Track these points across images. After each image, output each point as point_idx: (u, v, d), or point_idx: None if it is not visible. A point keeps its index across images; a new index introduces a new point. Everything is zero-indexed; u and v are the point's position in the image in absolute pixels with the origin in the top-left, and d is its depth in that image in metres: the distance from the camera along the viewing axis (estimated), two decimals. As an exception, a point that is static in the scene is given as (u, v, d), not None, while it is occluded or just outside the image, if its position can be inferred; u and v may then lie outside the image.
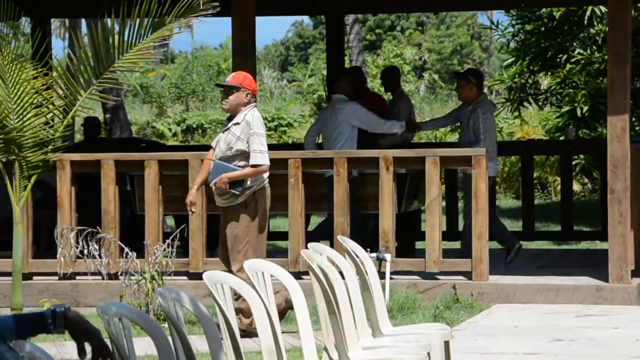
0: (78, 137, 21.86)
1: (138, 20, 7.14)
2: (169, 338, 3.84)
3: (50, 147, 7.18)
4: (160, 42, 7.41)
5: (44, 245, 11.05)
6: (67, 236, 9.45)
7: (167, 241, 9.04)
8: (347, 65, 15.35)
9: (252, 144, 7.96)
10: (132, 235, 10.06)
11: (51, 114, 7.21)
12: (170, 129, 27.97)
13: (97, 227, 9.38)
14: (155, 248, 9.11)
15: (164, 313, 7.93)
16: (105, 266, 9.39)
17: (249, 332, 7.68)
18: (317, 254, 5.37)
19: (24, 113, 7.02)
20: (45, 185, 10.60)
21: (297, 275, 8.29)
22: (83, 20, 21.09)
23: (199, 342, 6.28)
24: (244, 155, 8.00)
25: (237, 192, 7.98)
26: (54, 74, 7.60)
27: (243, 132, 7.98)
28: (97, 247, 9.29)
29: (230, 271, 7.94)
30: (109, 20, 7.47)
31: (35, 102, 7.07)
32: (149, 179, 9.64)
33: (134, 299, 8.70)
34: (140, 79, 32.71)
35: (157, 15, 7.05)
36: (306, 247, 5.48)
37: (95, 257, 9.31)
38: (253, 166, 7.96)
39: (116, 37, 7.27)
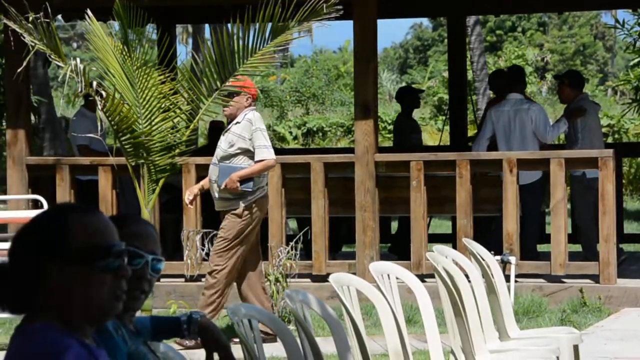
0: (200, 141, 22.19)
1: (259, 24, 7.21)
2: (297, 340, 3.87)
3: (177, 150, 7.30)
4: (282, 46, 7.47)
5: (170, 248, 11.24)
6: (193, 239, 9.59)
7: (291, 244, 9.11)
8: (468, 68, 15.22)
9: (256, 140, 7.96)
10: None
11: (178, 119, 7.33)
12: (291, 132, 28.19)
13: (222, 230, 9.48)
14: (279, 250, 9.18)
15: (292, 315, 8.01)
16: (230, 268, 9.48)
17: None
18: (442, 256, 5.34)
19: (152, 117, 7.15)
20: (172, 188, 10.79)
21: (420, 279, 8.25)
22: (206, 26, 21.41)
23: (323, 344, 6.30)
24: (246, 153, 7.99)
25: (249, 190, 7.97)
26: (180, 78, 7.73)
27: (245, 130, 7.99)
28: (222, 249, 9.38)
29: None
30: (229, 24, 7.56)
31: (162, 106, 7.20)
32: (272, 182, 9.71)
33: (259, 300, 8.77)
34: (261, 83, 33.05)
35: (280, 19, 7.11)
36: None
37: (220, 259, 9.41)
38: (259, 161, 7.96)
39: (240, 41, 7.34)
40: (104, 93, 6.80)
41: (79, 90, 6.90)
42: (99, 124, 7.13)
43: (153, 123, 7.13)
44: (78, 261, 2.39)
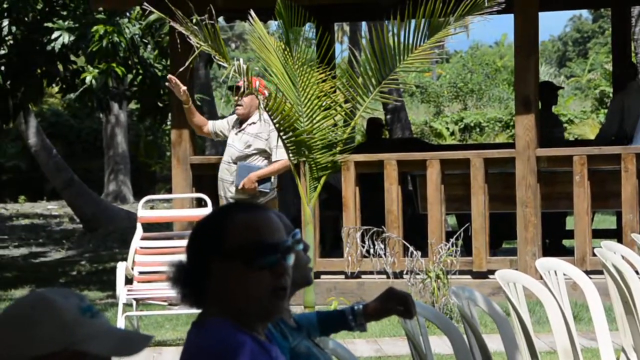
0: (357, 138, 22.28)
1: (415, 21, 7.18)
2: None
3: (337, 148, 7.33)
4: (439, 42, 7.42)
5: (329, 245, 11.32)
6: (353, 236, 9.63)
7: (451, 240, 9.05)
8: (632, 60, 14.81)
9: (274, 140, 7.82)
10: (415, 234, 10.13)
11: (338, 116, 7.36)
12: (447, 128, 28.02)
13: (382, 227, 9.50)
14: (440, 247, 9.14)
15: (455, 311, 7.97)
16: (391, 265, 9.50)
17: None
18: (611, 252, 5.22)
19: (313, 116, 7.20)
20: (329, 186, 10.87)
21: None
22: (363, 24, 21.47)
23: (487, 341, 6.23)
24: (263, 154, 7.89)
25: (267, 190, 7.85)
26: (339, 76, 7.77)
27: (262, 130, 7.88)
28: (382, 246, 9.42)
29: None
30: (387, 21, 7.56)
31: (323, 105, 7.25)
32: (431, 178, 9.67)
33: (420, 297, 8.75)
34: (418, 79, 32.96)
35: (441, 14, 7.07)
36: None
37: (380, 256, 9.44)
38: (277, 161, 7.84)
39: (398, 38, 7.33)
40: (266, 92, 6.89)
41: (241, 90, 7.01)
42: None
43: (314, 121, 7.19)
44: (235, 258, 2.42)
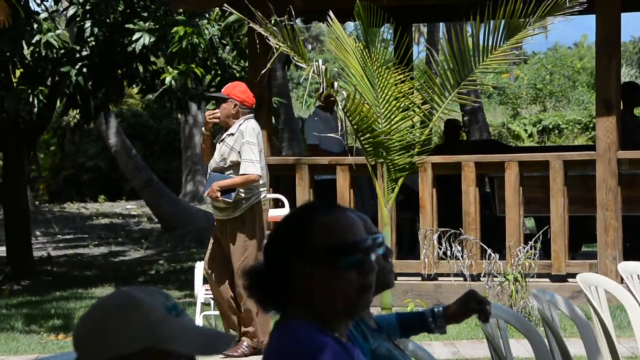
0: (434, 139, 22.18)
1: (494, 22, 7.13)
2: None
3: (415, 150, 7.31)
4: (517, 43, 7.36)
5: (405, 247, 11.29)
6: (430, 237, 9.59)
7: (530, 243, 8.97)
8: None
9: (244, 153, 7.64)
10: (492, 236, 10.06)
11: (416, 117, 7.34)
12: (525, 130, 27.76)
13: (459, 229, 9.45)
14: (518, 250, 9.06)
15: (533, 315, 7.89)
16: (468, 267, 9.45)
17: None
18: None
19: (392, 117, 7.19)
20: (405, 187, 10.84)
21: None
22: (441, 25, 21.39)
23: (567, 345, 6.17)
24: (238, 167, 7.69)
25: (229, 200, 7.66)
26: (417, 77, 7.75)
27: (236, 143, 7.68)
28: (459, 248, 9.36)
29: (218, 282, 7.88)
30: (465, 22, 7.51)
31: (401, 106, 7.23)
32: (509, 180, 9.59)
33: (497, 300, 8.69)
34: (496, 80, 32.72)
35: (521, 15, 7.01)
36: None
37: (457, 259, 9.39)
38: (242, 175, 7.64)
39: (477, 39, 7.29)
40: (344, 93, 6.89)
41: (320, 90, 7.03)
42: (338, 124, 7.21)
43: (392, 122, 7.17)
44: (321, 260, 2.42)
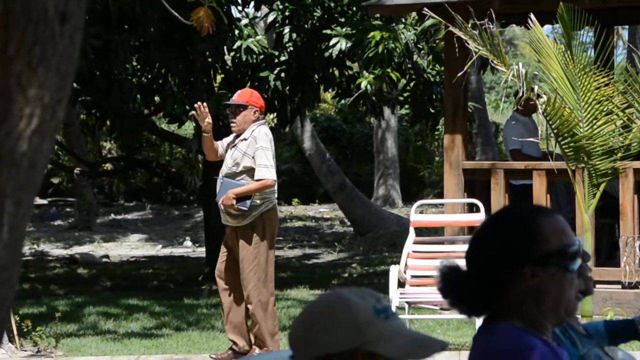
0: (633, 145, 21.53)
1: None
2: None
3: (618, 154, 7.11)
4: None
5: (604, 254, 11.01)
6: (631, 245, 9.32)
7: None
8: None
9: (258, 159, 7.57)
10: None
11: (621, 121, 7.14)
12: None
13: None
14: None
15: None
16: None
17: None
18: None
19: (594, 121, 7.03)
20: (604, 193, 10.56)
21: None
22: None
23: None
24: (251, 172, 7.58)
25: (245, 208, 7.51)
26: (620, 80, 7.54)
27: (249, 148, 7.60)
28: (662, 256, 9.07)
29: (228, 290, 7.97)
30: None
31: (605, 109, 7.05)
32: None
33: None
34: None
35: None
36: None
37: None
38: (258, 180, 7.51)
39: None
40: (545, 97, 6.78)
41: (520, 94, 6.94)
42: (539, 128, 7.11)
43: (594, 127, 7.01)
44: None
